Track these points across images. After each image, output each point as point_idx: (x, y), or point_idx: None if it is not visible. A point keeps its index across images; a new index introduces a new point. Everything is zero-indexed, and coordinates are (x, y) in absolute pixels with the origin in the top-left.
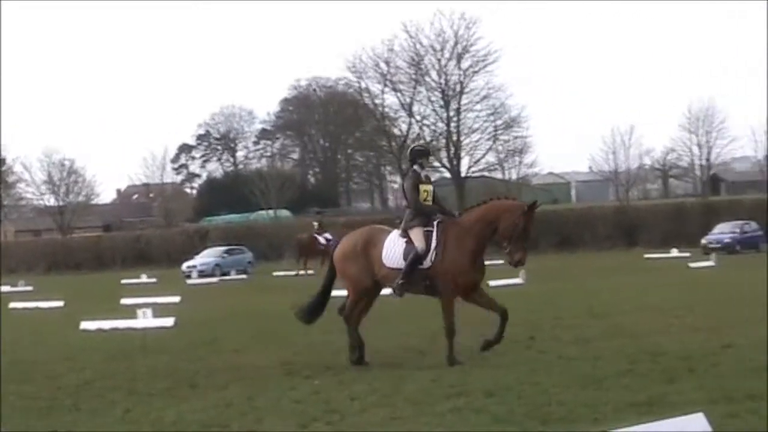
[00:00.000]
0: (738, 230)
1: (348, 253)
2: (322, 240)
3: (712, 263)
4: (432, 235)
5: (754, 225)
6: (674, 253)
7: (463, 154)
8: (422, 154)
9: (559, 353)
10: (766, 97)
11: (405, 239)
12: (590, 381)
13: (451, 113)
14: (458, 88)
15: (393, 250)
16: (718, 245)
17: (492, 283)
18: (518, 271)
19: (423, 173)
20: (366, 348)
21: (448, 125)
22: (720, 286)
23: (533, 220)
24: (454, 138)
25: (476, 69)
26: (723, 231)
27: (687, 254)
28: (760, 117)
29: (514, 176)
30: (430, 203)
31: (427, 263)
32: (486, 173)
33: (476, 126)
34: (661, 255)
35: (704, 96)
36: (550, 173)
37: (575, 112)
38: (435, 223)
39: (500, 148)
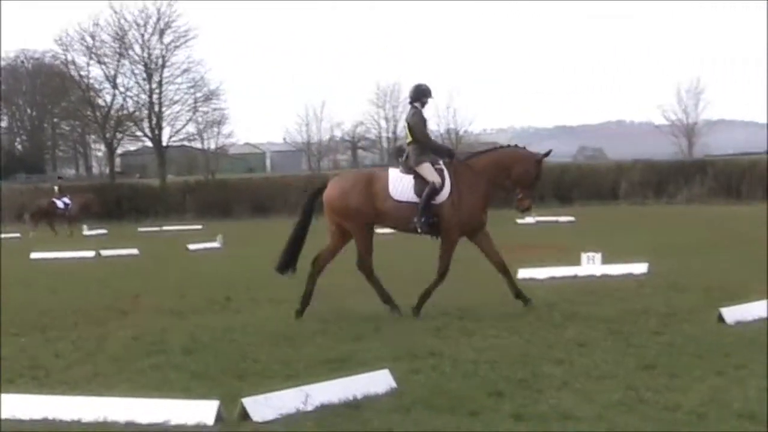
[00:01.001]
0: None
1: (348, 188)
2: (60, 204)
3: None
4: (444, 173)
5: None
6: None
7: (164, 124)
8: (426, 93)
9: (254, 313)
10: (449, 74)
11: (412, 175)
12: (283, 339)
13: (154, 85)
14: (160, 61)
15: (401, 184)
16: None
17: (191, 246)
18: (216, 235)
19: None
20: (69, 308)
21: (150, 97)
22: (403, 251)
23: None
24: (156, 109)
25: (177, 44)
26: None
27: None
28: (444, 94)
29: (212, 146)
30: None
31: (439, 199)
32: (186, 143)
33: (177, 98)
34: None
35: (391, 73)
36: (247, 143)
37: (271, 87)
38: (442, 163)
39: (200, 119)
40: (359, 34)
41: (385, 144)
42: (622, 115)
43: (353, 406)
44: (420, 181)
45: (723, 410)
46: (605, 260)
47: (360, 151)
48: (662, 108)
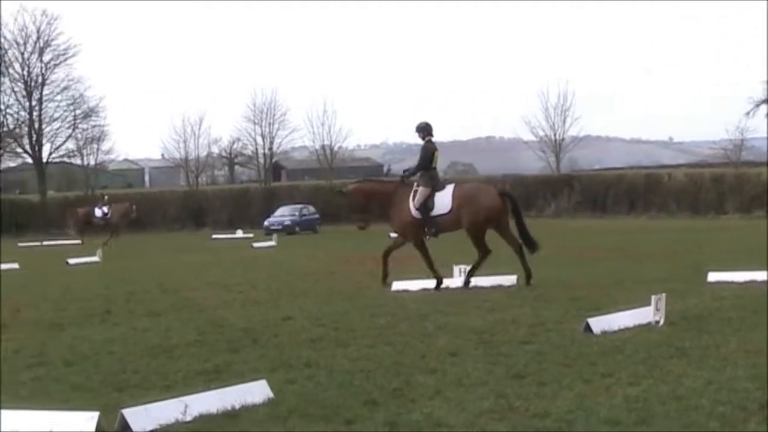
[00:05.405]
0: (297, 213)
1: None
2: (98, 213)
3: (273, 243)
4: None
5: (311, 209)
6: (239, 234)
7: (44, 141)
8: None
9: (132, 325)
10: (324, 90)
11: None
12: (161, 351)
13: (34, 103)
14: (40, 79)
15: None
16: (279, 227)
17: (71, 260)
18: (96, 249)
19: None
20: None
21: (30, 114)
22: (280, 264)
23: None
24: (36, 126)
25: (57, 62)
26: (284, 214)
27: (251, 235)
28: (317, 109)
29: (92, 162)
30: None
31: None
32: (66, 159)
33: (57, 115)
34: (227, 236)
35: (267, 89)
36: (126, 159)
37: (149, 104)
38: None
39: (79, 135)
40: (237, 50)
41: (261, 160)
42: (492, 131)
43: (231, 415)
44: None
45: (590, 417)
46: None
47: (237, 167)
48: (530, 124)
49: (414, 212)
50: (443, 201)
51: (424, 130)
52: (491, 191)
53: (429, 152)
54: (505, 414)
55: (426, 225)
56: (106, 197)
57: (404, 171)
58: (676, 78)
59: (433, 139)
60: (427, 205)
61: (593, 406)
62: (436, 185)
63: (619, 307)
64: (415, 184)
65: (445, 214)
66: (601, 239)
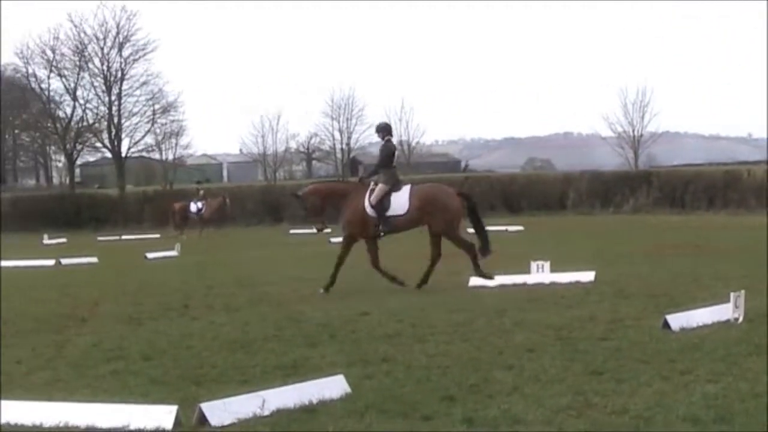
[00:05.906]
0: None
1: None
2: (193, 209)
3: None
4: None
5: None
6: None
7: (123, 135)
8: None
9: (210, 319)
10: (402, 86)
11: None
12: (239, 345)
13: (113, 98)
14: (119, 74)
15: None
16: None
17: (150, 255)
18: (174, 243)
19: None
20: (29, 315)
21: (109, 109)
22: (356, 259)
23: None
24: (115, 121)
25: (136, 57)
26: None
27: (328, 230)
28: (395, 104)
29: (170, 157)
30: None
31: None
32: (144, 154)
33: (136, 110)
34: (304, 231)
35: (345, 85)
36: (204, 155)
37: (227, 99)
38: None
39: (158, 130)
40: (315, 46)
41: (339, 155)
42: (569, 127)
43: (308, 410)
44: None
45: (669, 414)
46: (553, 268)
47: (315, 162)
48: (609, 120)
49: (369, 209)
50: (399, 202)
51: (385, 129)
52: (451, 192)
53: (389, 151)
54: (582, 411)
55: (380, 223)
56: (201, 192)
57: (363, 170)
58: (756, 74)
59: (393, 139)
60: (383, 204)
61: (672, 404)
62: (394, 185)
63: (698, 304)
64: (372, 183)
65: (402, 215)
66: (679, 235)
